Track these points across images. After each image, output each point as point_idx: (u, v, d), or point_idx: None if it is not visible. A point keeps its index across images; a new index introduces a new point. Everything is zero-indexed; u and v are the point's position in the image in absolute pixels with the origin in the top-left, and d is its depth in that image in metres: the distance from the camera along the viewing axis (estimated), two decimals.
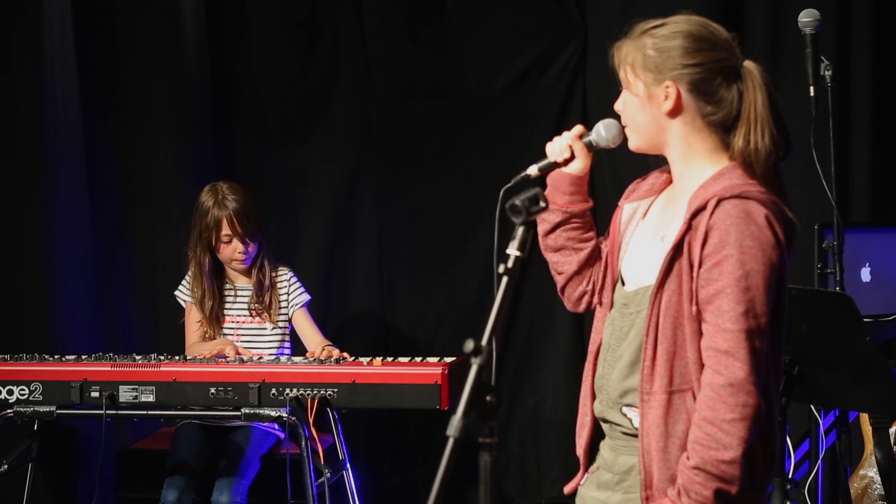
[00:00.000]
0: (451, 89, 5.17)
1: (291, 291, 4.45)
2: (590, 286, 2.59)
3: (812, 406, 4.04)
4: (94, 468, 4.11)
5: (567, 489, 2.57)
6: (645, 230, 2.46)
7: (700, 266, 2.27)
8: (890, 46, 4.76)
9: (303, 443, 3.82)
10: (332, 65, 5.17)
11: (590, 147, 2.56)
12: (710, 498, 2.24)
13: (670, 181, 2.48)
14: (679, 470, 2.28)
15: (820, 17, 3.83)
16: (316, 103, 5.18)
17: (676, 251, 2.31)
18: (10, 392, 3.94)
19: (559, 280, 2.63)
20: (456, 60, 5.15)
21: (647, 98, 2.38)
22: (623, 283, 2.47)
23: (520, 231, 2.15)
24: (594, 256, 2.58)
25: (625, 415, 2.41)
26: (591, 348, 2.52)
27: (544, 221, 2.59)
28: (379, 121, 5.18)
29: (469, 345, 1.99)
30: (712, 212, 2.27)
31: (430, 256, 5.18)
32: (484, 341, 2.02)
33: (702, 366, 2.29)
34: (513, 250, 2.14)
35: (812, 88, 3.82)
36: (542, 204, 2.16)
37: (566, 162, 2.55)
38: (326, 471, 3.91)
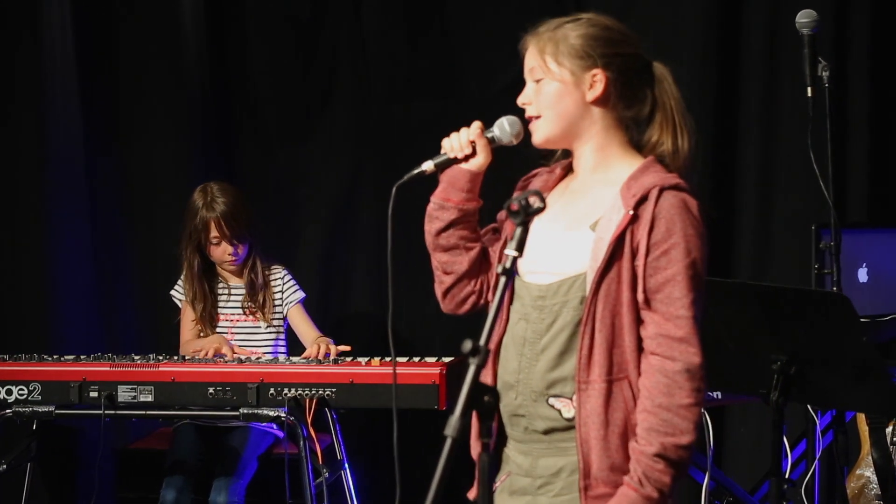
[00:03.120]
0: (451, 89, 5.17)
1: (286, 289, 4.46)
2: (477, 286, 2.57)
3: (809, 406, 4.04)
4: (92, 468, 4.11)
5: (471, 495, 2.48)
6: (553, 222, 2.44)
7: (647, 254, 2.30)
8: (888, 47, 4.76)
9: (301, 443, 3.83)
10: (331, 65, 5.17)
11: (491, 143, 2.55)
12: (667, 484, 2.27)
13: (562, 177, 2.51)
14: (635, 458, 2.28)
15: (817, 17, 3.83)
16: (315, 103, 5.18)
17: (618, 240, 2.31)
18: (9, 392, 3.95)
19: (446, 280, 2.62)
20: (455, 61, 5.15)
21: (574, 84, 2.41)
22: (521, 276, 2.44)
23: (518, 231, 2.16)
24: (482, 256, 2.57)
25: (552, 406, 2.37)
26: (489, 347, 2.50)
27: (437, 220, 2.59)
28: (378, 121, 5.18)
29: (467, 345, 2.00)
30: (656, 201, 2.31)
31: (428, 257, 5.17)
32: (482, 342, 2.03)
33: (639, 354, 2.31)
34: (510, 250, 2.15)
35: (809, 89, 3.82)
36: (541, 204, 2.17)
37: (466, 158, 2.55)
38: (324, 471, 3.92)
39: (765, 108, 4.78)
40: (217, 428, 4.31)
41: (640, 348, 2.31)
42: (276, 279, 4.46)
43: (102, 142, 4.98)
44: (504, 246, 2.49)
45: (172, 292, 4.48)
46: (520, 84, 5.08)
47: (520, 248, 2.15)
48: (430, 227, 2.60)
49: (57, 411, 3.94)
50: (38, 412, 3.95)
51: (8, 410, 3.95)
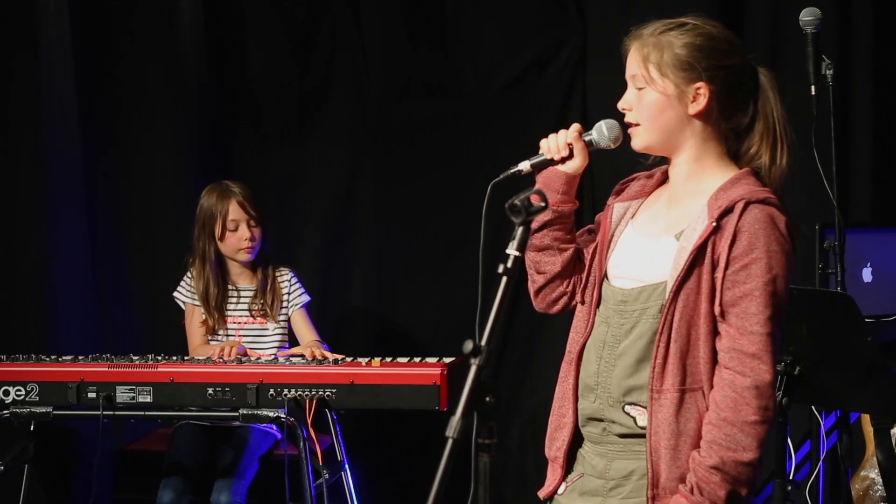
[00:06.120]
0: (450, 88, 5.15)
1: (292, 291, 4.45)
2: (569, 287, 2.56)
3: (813, 407, 4.03)
4: (90, 469, 4.09)
5: (542, 494, 2.50)
6: (643, 229, 2.45)
7: (727, 267, 2.28)
8: (891, 45, 4.75)
9: (301, 444, 3.81)
10: (329, 64, 5.16)
11: (589, 146, 2.53)
12: (722, 498, 2.26)
13: (659, 183, 2.50)
14: (692, 468, 2.28)
15: (821, 15, 3.82)
16: (314, 103, 5.17)
17: (699, 250, 2.30)
18: (7, 393, 3.93)
19: (539, 280, 2.59)
20: (454, 59, 5.14)
21: (677, 98, 2.37)
22: (609, 280, 2.45)
23: (519, 231, 2.13)
24: (576, 258, 2.56)
25: (627, 413, 2.38)
26: (573, 348, 2.49)
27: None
28: (377, 120, 5.16)
29: (468, 345, 1.98)
30: (740, 214, 2.29)
31: (428, 256, 5.17)
32: (483, 342, 2.01)
33: (714, 365, 2.30)
34: (512, 250, 2.13)
35: (813, 87, 3.81)
36: (542, 204, 2.14)
37: (563, 160, 2.52)
38: (325, 472, 3.91)
39: None
40: (217, 429, 4.29)
41: (715, 360, 2.31)
42: (283, 281, 4.46)
43: (100, 143, 4.97)
44: (595, 248, 2.50)
45: (176, 294, 4.46)
46: (519, 83, 5.10)
47: (521, 248, 2.13)
48: None
49: (55, 412, 3.92)
50: (36, 413, 3.93)
51: (5, 411, 3.93)
